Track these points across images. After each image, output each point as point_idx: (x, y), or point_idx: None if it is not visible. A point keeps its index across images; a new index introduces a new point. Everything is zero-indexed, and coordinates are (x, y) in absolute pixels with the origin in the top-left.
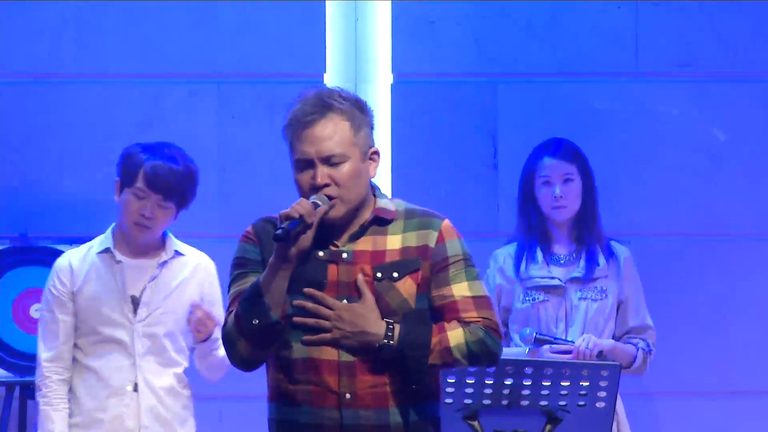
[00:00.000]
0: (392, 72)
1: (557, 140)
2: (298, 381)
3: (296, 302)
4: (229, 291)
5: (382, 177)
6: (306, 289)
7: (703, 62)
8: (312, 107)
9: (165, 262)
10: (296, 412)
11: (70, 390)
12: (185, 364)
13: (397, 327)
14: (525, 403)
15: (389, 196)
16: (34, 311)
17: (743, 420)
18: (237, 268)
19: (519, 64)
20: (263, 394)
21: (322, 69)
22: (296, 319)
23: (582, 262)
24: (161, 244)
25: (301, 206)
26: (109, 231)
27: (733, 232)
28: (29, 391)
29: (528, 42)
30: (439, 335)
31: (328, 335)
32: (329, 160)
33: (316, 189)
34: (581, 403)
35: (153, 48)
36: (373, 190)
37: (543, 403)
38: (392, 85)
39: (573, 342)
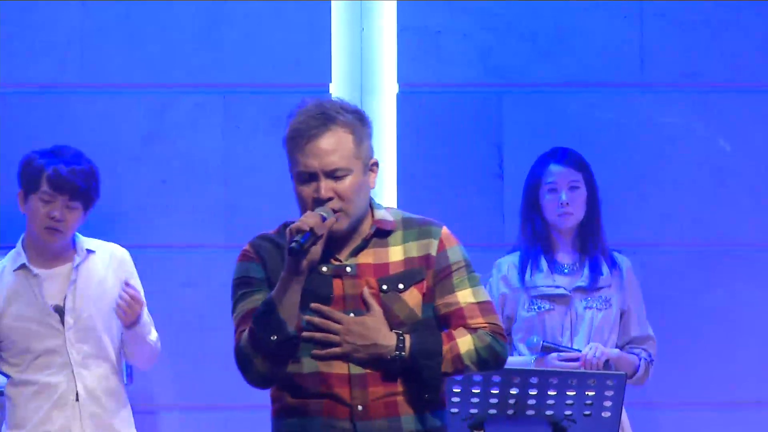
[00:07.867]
0: (398, 82)
1: (563, 149)
2: (309, 395)
3: (305, 317)
4: (233, 311)
5: (387, 187)
6: (313, 305)
7: (707, 73)
8: (315, 120)
9: (79, 265)
10: (308, 424)
11: (14, 405)
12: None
13: (408, 337)
14: (530, 412)
15: (395, 206)
16: None
17: (747, 431)
18: (241, 288)
19: (524, 74)
20: (269, 403)
21: (328, 79)
22: (305, 334)
23: (586, 271)
24: (73, 247)
25: (309, 219)
26: (19, 245)
27: (737, 243)
28: None
29: (533, 53)
30: (450, 343)
31: (338, 349)
32: (333, 174)
33: (319, 202)
34: (587, 412)
35: (158, 59)
36: (369, 200)
37: (549, 412)
38: (398, 96)
39: (580, 350)
